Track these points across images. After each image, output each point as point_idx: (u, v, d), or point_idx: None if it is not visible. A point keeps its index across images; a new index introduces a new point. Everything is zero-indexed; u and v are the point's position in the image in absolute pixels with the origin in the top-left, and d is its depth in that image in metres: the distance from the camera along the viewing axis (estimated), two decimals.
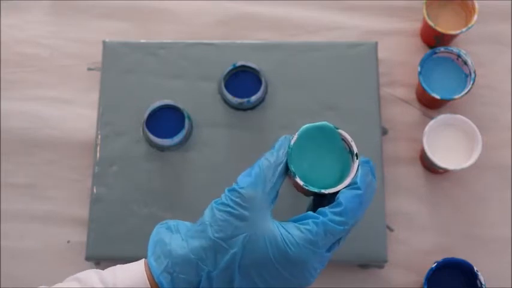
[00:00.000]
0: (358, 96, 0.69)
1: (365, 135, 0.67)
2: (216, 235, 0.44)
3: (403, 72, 0.73)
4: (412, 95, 0.72)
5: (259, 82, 0.68)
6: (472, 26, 0.68)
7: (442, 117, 0.65)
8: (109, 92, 0.70)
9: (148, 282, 0.44)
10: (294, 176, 0.46)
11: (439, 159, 0.64)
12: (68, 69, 0.75)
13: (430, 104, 0.71)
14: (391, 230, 0.68)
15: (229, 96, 0.68)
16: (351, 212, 0.45)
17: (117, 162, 0.68)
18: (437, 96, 0.65)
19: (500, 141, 0.70)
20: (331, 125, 0.48)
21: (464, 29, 0.68)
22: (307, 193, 0.49)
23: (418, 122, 0.71)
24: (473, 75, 0.66)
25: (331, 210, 0.45)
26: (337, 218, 0.44)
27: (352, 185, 0.46)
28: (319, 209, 0.45)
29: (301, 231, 0.44)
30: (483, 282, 0.59)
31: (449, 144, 0.65)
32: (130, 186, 0.67)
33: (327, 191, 0.46)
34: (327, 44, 0.71)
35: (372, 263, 0.65)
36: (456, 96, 0.66)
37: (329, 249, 0.46)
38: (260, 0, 0.77)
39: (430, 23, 0.68)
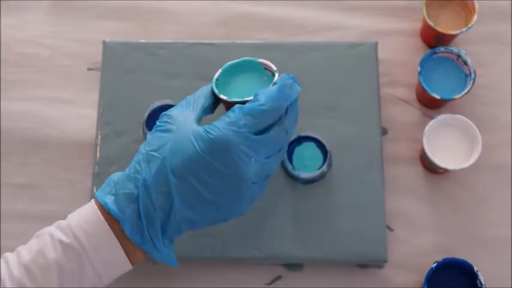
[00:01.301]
0: (358, 96, 0.69)
1: (365, 135, 0.67)
2: (147, 148, 0.49)
3: (403, 72, 0.73)
4: (412, 95, 0.72)
5: None
6: (472, 26, 0.68)
7: (442, 117, 0.65)
8: (109, 92, 0.70)
9: (99, 213, 0.48)
10: (218, 94, 0.51)
11: (439, 159, 0.64)
12: (68, 69, 0.75)
13: (430, 104, 0.71)
14: (391, 230, 0.68)
15: None
16: (266, 96, 0.48)
17: (117, 162, 0.68)
18: (437, 96, 0.65)
19: (500, 141, 0.70)
20: (252, 58, 0.53)
21: (464, 29, 0.68)
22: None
23: (418, 122, 0.71)
24: (473, 75, 0.66)
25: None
26: (254, 102, 0.48)
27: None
28: None
29: (221, 119, 0.48)
30: (483, 282, 0.59)
31: (449, 144, 0.65)
32: None
33: (249, 98, 0.49)
34: (327, 44, 0.71)
35: (371, 263, 0.65)
36: (456, 96, 0.66)
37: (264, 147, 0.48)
38: (260, 0, 0.77)
39: (430, 23, 0.68)
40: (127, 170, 0.49)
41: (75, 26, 0.77)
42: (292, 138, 0.66)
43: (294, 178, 0.66)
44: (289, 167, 0.65)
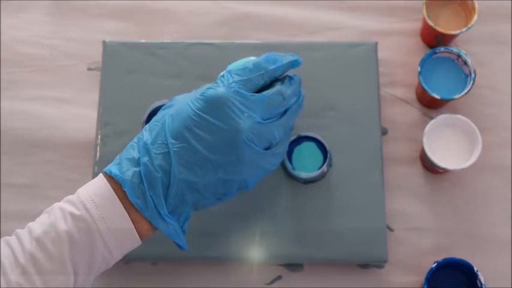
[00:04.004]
0: (358, 96, 0.69)
1: (365, 135, 0.67)
2: (151, 122, 0.52)
3: (403, 72, 0.73)
4: (412, 95, 0.72)
5: None
6: (472, 26, 0.68)
7: (442, 117, 0.65)
8: (109, 92, 0.70)
9: (107, 183, 0.50)
10: None
11: (439, 159, 0.64)
12: (68, 69, 0.75)
13: (430, 104, 0.71)
14: (391, 230, 0.68)
15: None
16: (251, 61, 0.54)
17: None
18: (437, 96, 0.65)
19: (500, 141, 0.70)
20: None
21: (464, 29, 0.68)
22: None
23: (418, 122, 0.71)
24: (473, 75, 0.66)
25: None
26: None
27: None
28: None
29: (214, 83, 0.52)
30: (483, 282, 0.59)
31: (449, 144, 0.65)
32: None
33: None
34: (327, 44, 0.71)
35: (371, 263, 0.65)
36: (456, 96, 0.66)
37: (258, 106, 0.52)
38: (260, 0, 0.77)
39: (430, 23, 0.68)
40: (131, 142, 0.52)
41: (75, 26, 0.77)
42: (292, 138, 0.66)
43: (294, 178, 0.66)
44: (289, 167, 0.65)
